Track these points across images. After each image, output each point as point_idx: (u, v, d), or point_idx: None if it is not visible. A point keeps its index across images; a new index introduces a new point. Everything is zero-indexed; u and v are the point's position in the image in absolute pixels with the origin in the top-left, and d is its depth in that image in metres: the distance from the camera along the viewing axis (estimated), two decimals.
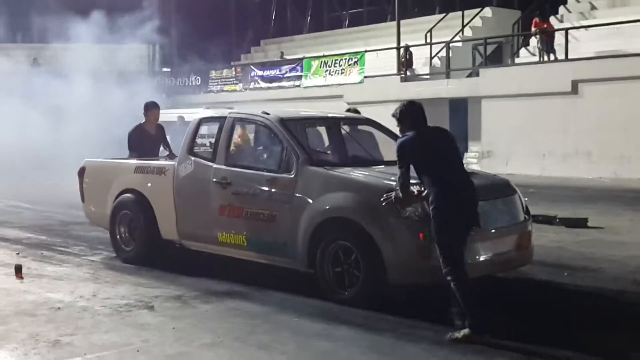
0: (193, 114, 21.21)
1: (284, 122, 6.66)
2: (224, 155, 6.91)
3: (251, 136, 7.90)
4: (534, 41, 20.83)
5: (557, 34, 19.81)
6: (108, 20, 23.46)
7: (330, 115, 7.91)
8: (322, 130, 7.57)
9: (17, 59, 26.64)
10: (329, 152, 7.21)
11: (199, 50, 28.02)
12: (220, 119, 7.16)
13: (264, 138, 7.14)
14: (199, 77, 28.79)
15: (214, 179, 6.83)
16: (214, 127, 7.28)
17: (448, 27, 23.96)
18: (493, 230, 5.87)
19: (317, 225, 5.98)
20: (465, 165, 5.81)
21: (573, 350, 4.80)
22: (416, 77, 23.13)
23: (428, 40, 23.30)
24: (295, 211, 6.16)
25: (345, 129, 7.52)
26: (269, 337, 5.04)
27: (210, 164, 6.96)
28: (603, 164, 17.62)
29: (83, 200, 8.43)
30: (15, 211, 12.55)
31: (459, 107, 21.41)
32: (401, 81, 22.60)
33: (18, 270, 7.02)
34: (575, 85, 18.28)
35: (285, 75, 25.73)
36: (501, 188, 6.34)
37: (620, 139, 17.31)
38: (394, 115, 5.46)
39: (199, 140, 7.56)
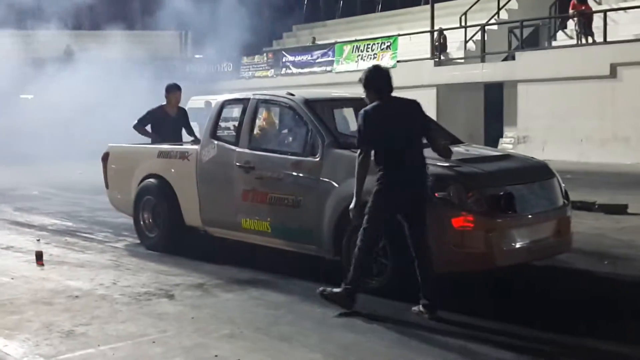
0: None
1: (308, 103, 6.40)
2: (248, 139, 6.66)
3: (277, 120, 7.64)
4: (571, 24, 20.20)
5: (595, 16, 19.15)
6: (141, 7, 23.49)
7: (357, 96, 7.62)
8: (350, 112, 7.28)
9: (50, 46, 26.78)
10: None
11: (230, 36, 27.86)
12: (244, 101, 6.92)
13: (289, 120, 6.87)
14: (230, 64, 28.59)
15: (237, 163, 6.60)
16: (238, 110, 7.02)
17: (483, 9, 23.35)
18: (530, 216, 5.55)
19: (344, 211, 5.68)
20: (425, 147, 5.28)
21: (617, 342, 4.51)
22: (450, 61, 22.64)
23: (463, 24, 22.75)
24: (320, 196, 5.90)
25: None
26: (292, 328, 4.82)
27: (233, 147, 6.73)
28: None
29: (107, 186, 8.28)
30: (44, 197, 12.54)
31: (495, 92, 20.90)
32: (435, 65, 22.13)
33: (39, 257, 6.91)
34: (613, 68, 17.66)
35: (317, 61, 25.40)
36: (538, 171, 6.04)
37: None
38: (359, 81, 5.25)
39: (222, 124, 7.33)
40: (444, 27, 22.57)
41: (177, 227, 7.28)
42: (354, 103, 7.30)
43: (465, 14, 22.77)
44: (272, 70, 27.11)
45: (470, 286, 5.76)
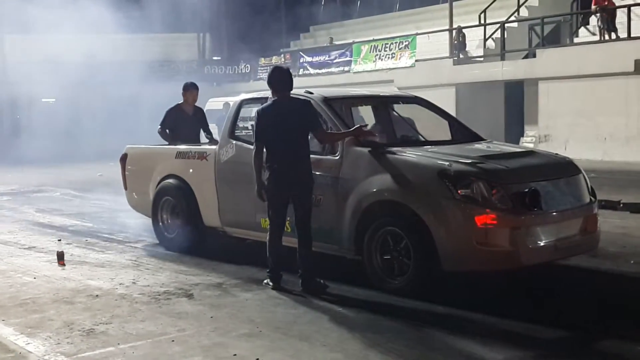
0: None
1: (327, 101, 6.33)
2: None
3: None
4: (594, 19, 19.95)
5: (618, 12, 18.88)
6: (160, 10, 23.54)
7: (376, 94, 7.55)
8: (368, 109, 7.22)
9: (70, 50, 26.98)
10: (375, 132, 6.87)
11: (248, 37, 27.90)
12: (262, 100, 6.84)
13: None
14: (248, 65, 28.62)
15: None
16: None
17: (503, 7, 23.14)
18: (556, 213, 5.43)
19: (365, 210, 5.64)
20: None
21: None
22: (470, 60, 22.46)
23: (482, 21, 22.57)
24: (341, 195, 5.84)
25: (392, 108, 7.15)
26: (311, 328, 4.76)
27: (252, 147, 6.67)
28: None
29: (125, 187, 8.27)
30: (66, 199, 12.61)
31: (515, 90, 20.70)
32: (454, 64, 21.97)
33: (60, 257, 6.94)
34: (638, 64, 17.38)
35: (335, 61, 25.34)
36: (564, 167, 5.92)
37: None
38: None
39: (240, 124, 7.29)
40: (462, 25, 22.40)
41: (197, 227, 7.24)
42: (373, 101, 7.28)
43: (484, 11, 22.58)
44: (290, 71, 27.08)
45: (490, 284, 5.68)
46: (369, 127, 6.17)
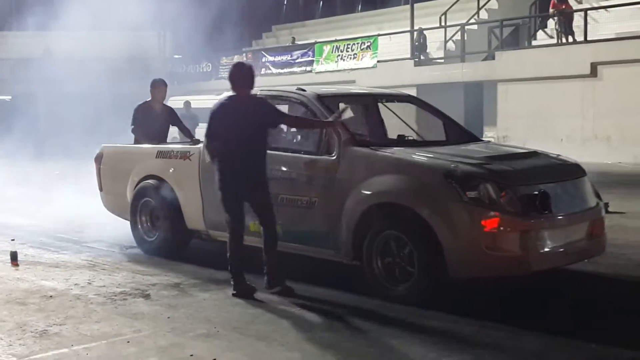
0: (201, 100, 20.98)
1: (321, 98, 6.02)
2: None
3: None
4: (551, 23, 20.30)
5: (575, 15, 19.27)
6: (118, 7, 23.23)
7: (369, 91, 7.26)
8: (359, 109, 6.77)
9: (29, 48, 26.49)
10: (371, 131, 6.59)
11: (210, 36, 27.68)
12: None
13: None
14: (209, 64, 28.46)
15: None
16: None
17: (463, 9, 23.41)
18: (565, 217, 5.23)
19: (363, 212, 5.33)
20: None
21: (597, 342, 4.46)
22: (430, 61, 22.67)
23: (442, 23, 22.80)
24: (337, 197, 5.51)
25: (386, 106, 6.89)
26: (269, 328, 4.73)
27: None
28: (623, 148, 17.14)
29: (100, 188, 7.86)
30: (20, 198, 12.31)
31: (475, 92, 20.96)
32: (415, 65, 22.16)
33: (13, 257, 6.78)
34: (594, 67, 17.77)
35: (297, 61, 25.34)
36: (570, 169, 5.73)
37: None
38: None
39: None
40: (424, 27, 22.59)
41: (179, 230, 6.87)
42: (366, 99, 6.97)
43: (445, 13, 22.80)
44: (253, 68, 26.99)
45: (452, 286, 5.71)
46: (345, 112, 5.72)
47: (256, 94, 5.88)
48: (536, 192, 5.03)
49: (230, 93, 5.75)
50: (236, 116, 5.54)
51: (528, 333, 4.58)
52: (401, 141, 6.32)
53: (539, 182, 5.19)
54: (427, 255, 5.04)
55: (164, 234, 6.97)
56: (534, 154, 6.00)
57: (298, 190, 5.83)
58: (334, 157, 5.64)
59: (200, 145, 6.67)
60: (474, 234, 4.91)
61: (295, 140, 6.40)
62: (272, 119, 5.65)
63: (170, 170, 6.95)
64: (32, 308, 5.25)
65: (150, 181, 7.13)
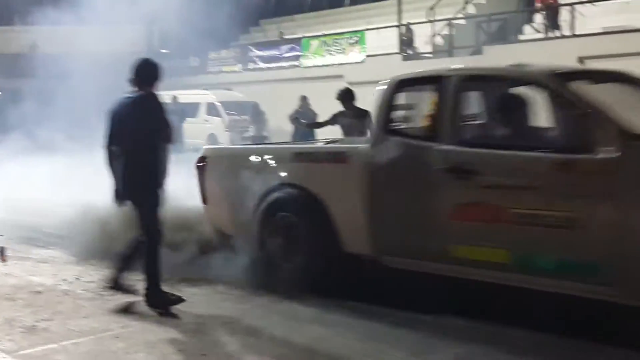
0: (188, 95, 20.82)
1: (561, 78, 4.66)
2: (452, 131, 4.89)
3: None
4: (539, 17, 20.36)
5: (562, 10, 19.33)
6: (106, 2, 23.08)
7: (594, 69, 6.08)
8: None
9: (15, 43, 26.30)
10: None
11: (197, 31, 27.60)
12: (437, 80, 5.21)
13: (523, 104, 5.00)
14: (197, 58, 28.37)
15: (441, 167, 4.80)
16: (419, 95, 5.60)
17: (451, 4, 23.41)
18: None
19: None
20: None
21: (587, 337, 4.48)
22: (418, 56, 22.66)
23: (430, 18, 22.82)
24: (620, 213, 4.12)
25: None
26: (259, 323, 4.76)
27: (429, 144, 4.95)
28: None
29: (205, 201, 6.36)
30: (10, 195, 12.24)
31: None
32: (403, 60, 22.16)
33: (1, 252, 6.78)
34: (581, 62, 17.80)
35: (285, 56, 25.31)
36: None
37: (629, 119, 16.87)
38: None
39: (395, 114, 5.57)
40: (412, 21, 22.60)
41: (331, 254, 5.42)
42: (613, 77, 5.36)
43: (432, 8, 22.83)
44: (240, 65, 26.97)
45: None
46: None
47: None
48: None
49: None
50: (123, 115, 5.16)
51: (518, 329, 4.58)
52: None
53: None
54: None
55: (310, 258, 5.51)
56: None
57: (545, 203, 4.41)
58: (613, 155, 4.18)
59: (361, 145, 5.49)
60: None
61: (525, 135, 4.96)
62: (153, 124, 5.16)
63: (317, 177, 5.60)
64: (21, 303, 5.25)
65: (287, 191, 5.68)
